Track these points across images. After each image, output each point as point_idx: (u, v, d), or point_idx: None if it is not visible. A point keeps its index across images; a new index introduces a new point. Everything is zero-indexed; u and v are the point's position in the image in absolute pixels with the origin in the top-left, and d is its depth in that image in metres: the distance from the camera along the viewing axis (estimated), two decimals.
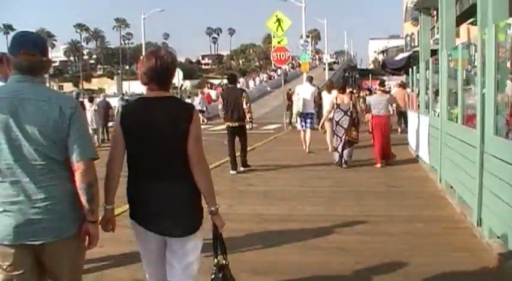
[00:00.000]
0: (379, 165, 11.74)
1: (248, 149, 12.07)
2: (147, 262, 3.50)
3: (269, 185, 9.79)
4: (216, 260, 3.53)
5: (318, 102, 15.67)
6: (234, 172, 11.21)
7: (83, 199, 2.95)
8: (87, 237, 3.05)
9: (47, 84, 3.67)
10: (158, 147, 3.20)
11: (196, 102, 28.83)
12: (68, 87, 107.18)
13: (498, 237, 5.46)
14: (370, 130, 13.43)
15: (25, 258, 2.92)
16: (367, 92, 23.68)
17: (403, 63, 26.17)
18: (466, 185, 6.86)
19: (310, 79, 16.27)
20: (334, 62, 79.20)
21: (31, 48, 2.91)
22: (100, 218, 3.16)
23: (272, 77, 58.25)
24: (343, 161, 11.72)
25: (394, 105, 14.52)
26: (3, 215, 2.84)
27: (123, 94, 38.07)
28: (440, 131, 9.01)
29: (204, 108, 29.37)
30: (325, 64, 62.54)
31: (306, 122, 14.71)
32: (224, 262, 3.54)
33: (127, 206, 3.37)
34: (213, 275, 3.53)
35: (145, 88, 3.35)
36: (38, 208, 2.84)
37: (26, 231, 2.84)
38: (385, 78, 30.00)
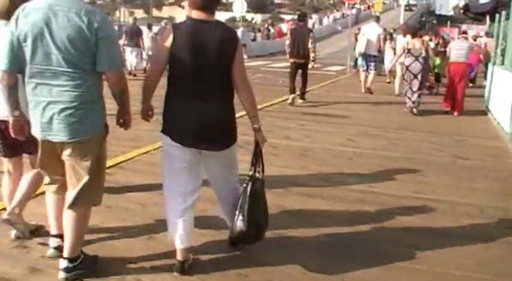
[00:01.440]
0: (448, 109, 11.46)
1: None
2: (175, 179, 3.52)
3: (310, 141, 8.22)
4: (251, 173, 3.63)
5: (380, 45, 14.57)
6: (292, 95, 11.68)
7: (117, 103, 3.39)
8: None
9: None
10: (206, 69, 3.34)
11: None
12: (139, 13, 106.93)
13: None
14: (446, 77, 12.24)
15: (50, 152, 3.30)
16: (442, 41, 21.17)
17: (489, 8, 23.71)
18: None
19: (377, 19, 14.95)
20: (413, 5, 74.44)
21: None
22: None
23: (346, 16, 55.11)
24: (413, 105, 11.17)
25: (482, 55, 14.00)
26: (33, 111, 3.19)
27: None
28: None
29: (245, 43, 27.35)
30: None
31: (368, 64, 14.01)
32: (260, 176, 3.65)
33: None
34: (245, 184, 3.62)
35: (190, 11, 3.43)
36: (60, 110, 3.12)
37: (49, 128, 3.17)
38: (464, 27, 27.42)
